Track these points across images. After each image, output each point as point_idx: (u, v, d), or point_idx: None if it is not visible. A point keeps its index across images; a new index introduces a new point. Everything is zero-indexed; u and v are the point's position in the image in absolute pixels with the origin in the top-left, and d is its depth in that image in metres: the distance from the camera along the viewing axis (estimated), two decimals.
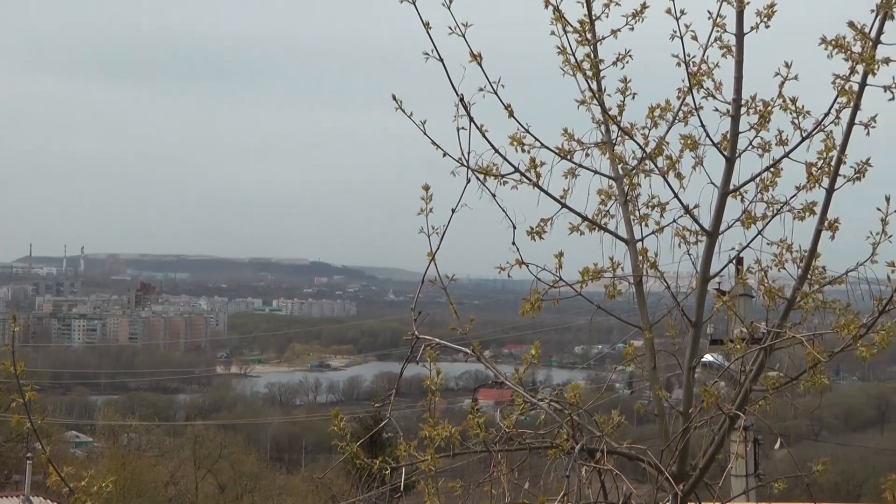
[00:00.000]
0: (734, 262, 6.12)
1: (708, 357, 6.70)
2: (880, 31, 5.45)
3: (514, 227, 6.08)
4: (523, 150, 6.22)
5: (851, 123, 5.62)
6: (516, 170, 6.18)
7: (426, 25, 5.89)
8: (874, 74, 5.47)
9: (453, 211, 6.00)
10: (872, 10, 5.41)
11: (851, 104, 5.63)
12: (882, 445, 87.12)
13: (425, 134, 6.04)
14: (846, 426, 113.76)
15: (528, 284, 6.23)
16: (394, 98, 5.97)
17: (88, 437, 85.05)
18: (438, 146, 6.08)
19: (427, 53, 5.89)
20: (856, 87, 5.60)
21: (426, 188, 5.99)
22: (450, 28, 5.92)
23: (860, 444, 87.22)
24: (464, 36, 5.94)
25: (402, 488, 5.82)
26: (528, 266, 6.14)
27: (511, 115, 6.13)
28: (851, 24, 5.45)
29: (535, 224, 6.23)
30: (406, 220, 6.19)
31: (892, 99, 5.50)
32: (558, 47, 6.18)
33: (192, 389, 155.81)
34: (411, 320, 6.02)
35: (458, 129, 5.99)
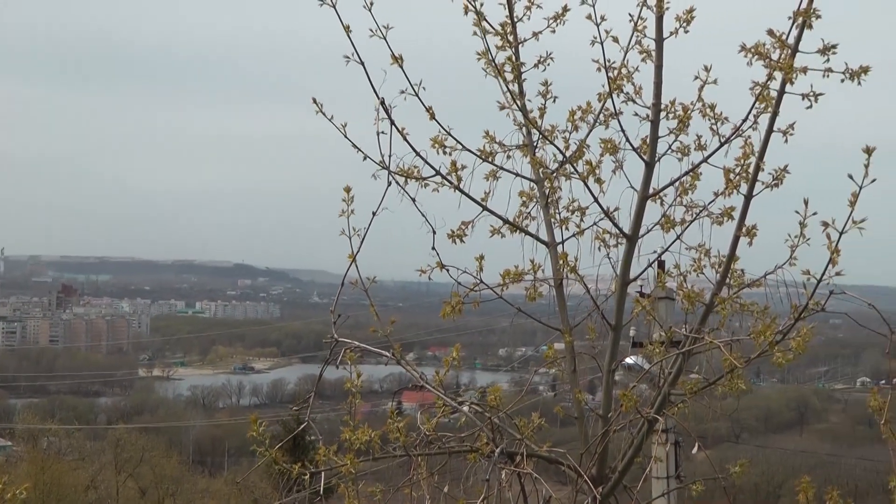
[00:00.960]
0: (653, 265, 6.15)
1: (629, 360, 6.73)
2: (798, 39, 5.49)
3: (434, 232, 6.07)
4: (445, 153, 6.20)
5: (770, 130, 5.65)
6: (437, 172, 6.16)
7: (346, 29, 5.85)
8: (792, 83, 5.51)
9: (374, 214, 5.97)
10: (790, 18, 5.45)
11: (770, 111, 5.66)
12: (800, 447, 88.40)
13: (346, 137, 6.01)
14: (766, 428, 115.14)
15: (452, 287, 6.22)
16: (314, 102, 5.93)
17: (7, 441, 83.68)
18: (359, 149, 6.06)
19: (348, 57, 5.86)
20: (774, 94, 5.64)
21: (347, 190, 5.95)
22: (371, 31, 5.89)
23: (779, 446, 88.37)
24: (385, 38, 5.91)
25: (321, 492, 5.77)
26: (448, 269, 6.13)
27: (432, 117, 6.11)
28: (770, 32, 5.49)
29: (456, 227, 6.22)
30: (330, 222, 6.15)
31: (811, 107, 5.54)
32: (478, 53, 6.16)
33: (113, 392, 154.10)
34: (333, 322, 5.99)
35: (378, 133, 5.97)
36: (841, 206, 5.22)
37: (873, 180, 5.12)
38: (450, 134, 6.20)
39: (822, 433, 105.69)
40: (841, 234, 5.20)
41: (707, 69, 5.97)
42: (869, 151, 5.14)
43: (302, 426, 6.05)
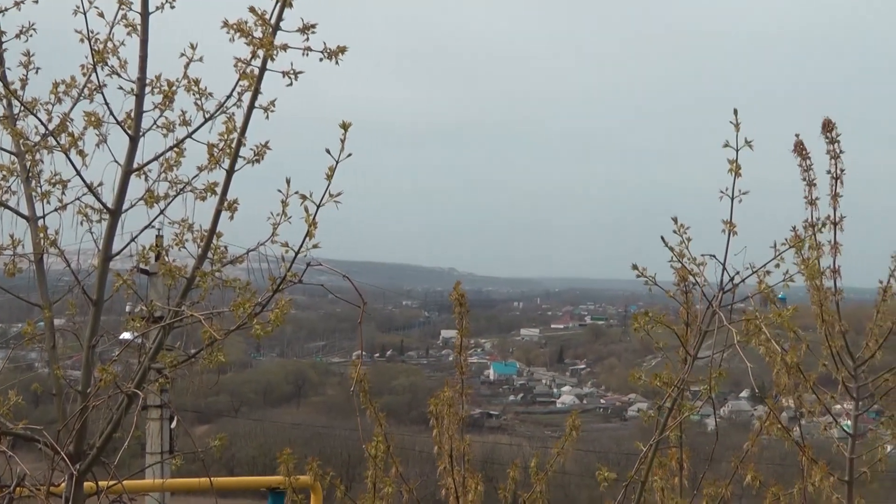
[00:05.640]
0: (136, 240, 6.12)
1: (126, 335, 6.65)
2: (280, 18, 5.65)
3: None
4: None
5: (251, 107, 5.77)
6: None
7: None
8: (273, 59, 5.66)
9: None
10: None
11: (252, 88, 5.79)
12: (298, 419, 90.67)
13: None
14: (265, 401, 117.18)
15: None
16: None
17: None
18: None
19: None
20: (257, 72, 5.76)
21: None
22: None
23: (277, 419, 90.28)
24: None
25: None
26: None
27: None
28: (252, 10, 5.61)
29: None
30: None
31: (291, 84, 5.71)
32: None
33: None
34: None
35: None
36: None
37: (349, 155, 5.37)
38: None
39: (318, 405, 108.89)
40: (318, 207, 5.42)
41: (193, 46, 6.02)
42: (345, 126, 5.39)
43: None
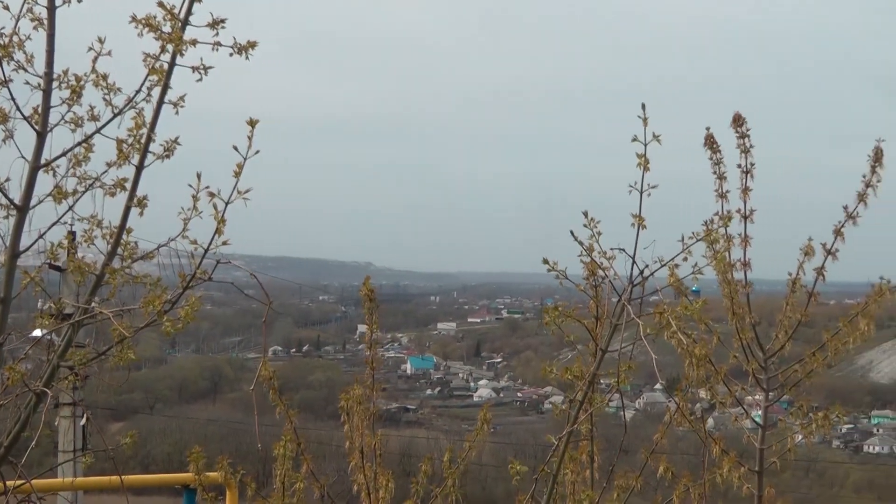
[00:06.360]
0: (44, 236, 6.04)
1: (36, 332, 6.56)
2: (189, 13, 5.62)
3: None
4: None
5: (161, 102, 5.73)
6: None
7: None
8: (182, 55, 5.63)
9: None
10: None
11: (161, 83, 5.75)
12: (213, 415, 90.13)
13: None
14: (180, 398, 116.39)
15: None
16: None
17: None
18: None
19: None
20: (166, 67, 5.72)
21: None
22: None
23: (193, 416, 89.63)
24: None
25: None
26: None
27: None
28: (161, 4, 5.57)
29: None
30: None
31: (201, 80, 5.68)
32: None
33: None
34: None
35: None
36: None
37: (257, 151, 5.36)
38: None
39: (234, 401, 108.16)
40: (227, 204, 5.40)
41: (101, 40, 5.95)
42: (252, 123, 5.38)
43: None
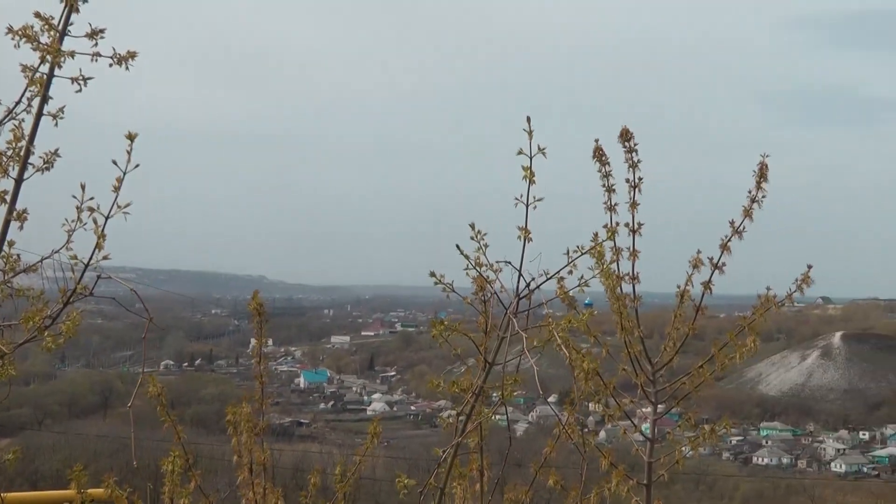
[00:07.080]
0: None
1: None
2: (67, 23, 5.52)
3: None
4: None
5: (39, 114, 5.61)
6: None
7: None
8: (60, 67, 5.53)
9: None
10: (61, 1, 5.46)
11: (41, 95, 5.64)
12: (104, 431, 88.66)
13: None
14: (70, 413, 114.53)
15: None
16: None
17: None
18: None
19: None
20: (45, 78, 5.62)
21: None
22: None
23: (83, 431, 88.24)
24: None
25: None
26: None
27: None
28: (38, 14, 5.47)
29: None
30: None
31: (80, 91, 5.59)
32: None
33: None
34: None
35: None
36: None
37: (137, 165, 5.28)
38: None
39: (125, 416, 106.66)
40: (107, 219, 5.30)
41: None
42: (131, 137, 5.31)
43: None
